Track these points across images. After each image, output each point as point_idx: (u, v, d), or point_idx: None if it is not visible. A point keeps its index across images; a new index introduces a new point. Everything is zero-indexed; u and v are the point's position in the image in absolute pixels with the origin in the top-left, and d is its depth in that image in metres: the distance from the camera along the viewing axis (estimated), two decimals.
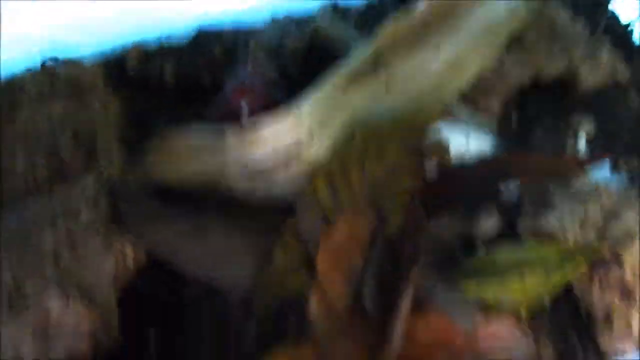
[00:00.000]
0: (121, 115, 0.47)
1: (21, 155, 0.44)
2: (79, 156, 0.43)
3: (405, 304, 0.39)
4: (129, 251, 0.42)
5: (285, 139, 0.45)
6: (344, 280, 0.42)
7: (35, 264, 0.39)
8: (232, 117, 0.46)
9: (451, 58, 0.49)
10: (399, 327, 0.39)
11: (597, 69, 0.51)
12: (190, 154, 0.46)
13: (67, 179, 0.43)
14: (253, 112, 0.46)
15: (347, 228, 0.43)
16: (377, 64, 0.48)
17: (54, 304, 0.38)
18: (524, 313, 0.43)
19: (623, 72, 0.52)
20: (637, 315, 0.41)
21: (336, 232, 0.43)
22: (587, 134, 0.51)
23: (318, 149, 0.46)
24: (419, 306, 0.41)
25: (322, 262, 0.42)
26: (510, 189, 0.48)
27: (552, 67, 0.51)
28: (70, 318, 0.38)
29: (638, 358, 0.41)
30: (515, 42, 0.51)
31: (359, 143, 0.46)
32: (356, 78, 0.47)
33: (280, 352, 0.40)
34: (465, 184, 0.47)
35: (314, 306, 0.41)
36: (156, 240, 0.42)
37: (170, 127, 0.48)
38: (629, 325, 0.41)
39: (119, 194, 0.43)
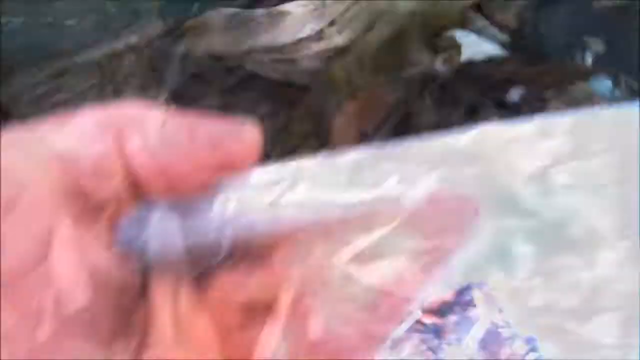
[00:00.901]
0: None
1: (71, 11, 0.48)
2: (123, 13, 0.47)
3: None
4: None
5: (309, 23, 0.49)
6: (354, 143, 0.46)
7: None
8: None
9: None
10: None
11: None
12: (222, 32, 0.50)
13: (111, 34, 0.47)
14: None
15: (367, 97, 0.47)
16: None
17: None
18: None
19: None
20: None
21: (356, 99, 0.46)
22: (596, 53, 0.52)
23: (338, 34, 0.49)
24: None
25: (339, 123, 0.46)
26: (512, 92, 0.51)
27: None
28: None
29: None
30: None
31: (378, 33, 0.50)
32: None
33: None
34: (471, 82, 0.50)
35: None
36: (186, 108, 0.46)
37: (206, 7, 0.52)
38: None
39: (157, 53, 0.47)
